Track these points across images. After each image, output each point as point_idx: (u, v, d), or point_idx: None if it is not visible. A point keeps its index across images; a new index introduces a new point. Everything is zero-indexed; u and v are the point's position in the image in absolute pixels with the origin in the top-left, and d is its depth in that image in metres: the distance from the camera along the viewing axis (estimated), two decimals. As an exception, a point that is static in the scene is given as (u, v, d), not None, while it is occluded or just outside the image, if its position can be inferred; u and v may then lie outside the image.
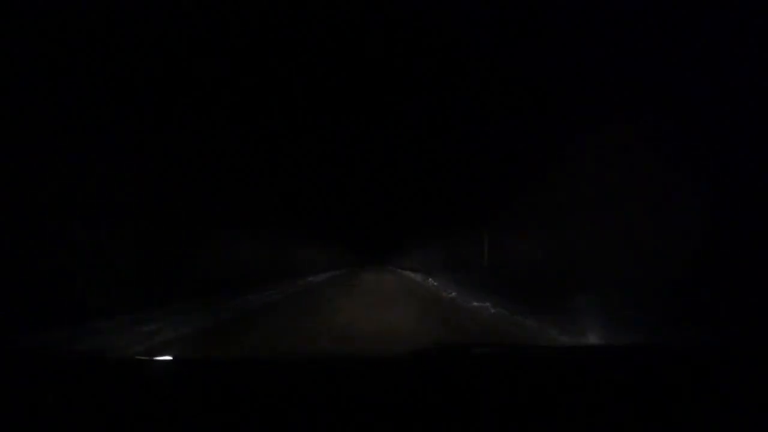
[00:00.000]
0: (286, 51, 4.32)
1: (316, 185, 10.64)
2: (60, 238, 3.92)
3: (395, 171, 9.90)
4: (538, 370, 1.18)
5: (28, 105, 3.39)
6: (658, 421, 0.77)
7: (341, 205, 14.60)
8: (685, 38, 2.65)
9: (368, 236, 28.45)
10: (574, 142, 4.13)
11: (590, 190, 3.93)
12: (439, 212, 11.18)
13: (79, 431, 0.77)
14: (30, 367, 1.05)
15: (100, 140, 4.27)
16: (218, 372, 1.17)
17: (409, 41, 4.13)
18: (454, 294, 8.80)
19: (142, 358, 1.31)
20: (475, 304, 6.77)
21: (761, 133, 2.25)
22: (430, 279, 13.36)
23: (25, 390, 0.91)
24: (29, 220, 3.55)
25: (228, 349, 3.80)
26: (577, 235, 4.23)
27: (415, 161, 8.43)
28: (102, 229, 4.46)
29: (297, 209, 12.33)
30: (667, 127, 2.90)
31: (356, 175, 10.48)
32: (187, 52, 3.96)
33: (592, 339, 3.47)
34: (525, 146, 5.25)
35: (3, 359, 1.11)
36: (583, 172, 3.99)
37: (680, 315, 2.77)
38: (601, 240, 3.83)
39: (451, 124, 6.08)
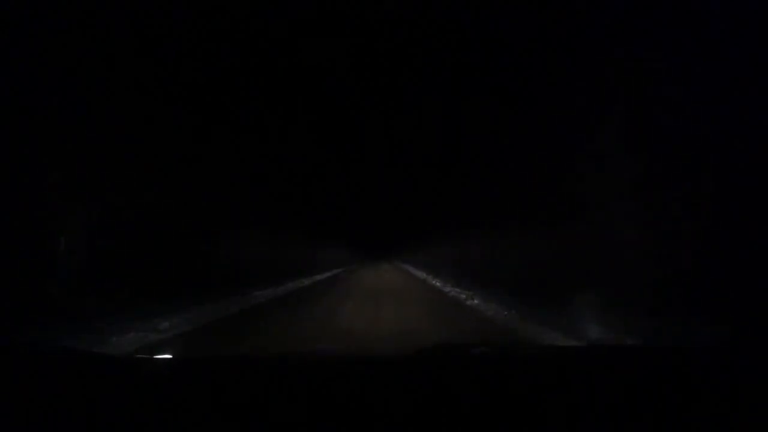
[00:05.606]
0: (289, 51, 4.32)
1: (324, 183, 10.63)
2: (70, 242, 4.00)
3: (400, 171, 9.90)
4: (538, 369, 1.18)
5: (36, 102, 3.40)
6: (657, 422, 0.77)
7: (350, 203, 14.55)
8: (683, 35, 2.64)
9: (376, 234, 28.91)
10: (575, 142, 4.12)
11: (590, 190, 3.92)
12: (446, 211, 11.15)
13: (78, 430, 0.77)
14: (28, 365, 1.05)
15: (106, 140, 4.28)
16: (218, 371, 1.17)
17: (418, 44, 4.12)
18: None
19: (142, 356, 1.31)
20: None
21: (761, 130, 2.24)
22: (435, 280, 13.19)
23: (23, 388, 0.91)
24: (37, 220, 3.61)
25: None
26: (578, 235, 4.23)
27: (425, 158, 8.41)
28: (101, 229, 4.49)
29: (303, 207, 12.24)
30: (666, 125, 2.89)
31: (361, 174, 10.47)
32: (197, 49, 3.97)
33: (592, 339, 3.46)
34: (526, 146, 5.24)
35: (2, 357, 1.11)
36: (583, 172, 3.98)
37: (679, 314, 2.76)
38: (600, 239, 3.82)
39: (455, 123, 6.08)
